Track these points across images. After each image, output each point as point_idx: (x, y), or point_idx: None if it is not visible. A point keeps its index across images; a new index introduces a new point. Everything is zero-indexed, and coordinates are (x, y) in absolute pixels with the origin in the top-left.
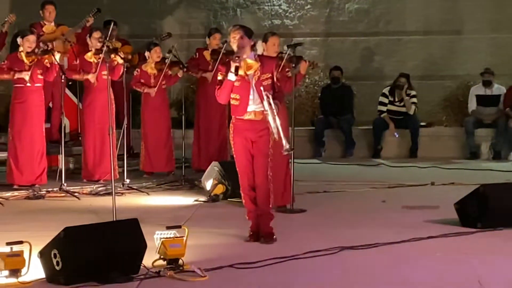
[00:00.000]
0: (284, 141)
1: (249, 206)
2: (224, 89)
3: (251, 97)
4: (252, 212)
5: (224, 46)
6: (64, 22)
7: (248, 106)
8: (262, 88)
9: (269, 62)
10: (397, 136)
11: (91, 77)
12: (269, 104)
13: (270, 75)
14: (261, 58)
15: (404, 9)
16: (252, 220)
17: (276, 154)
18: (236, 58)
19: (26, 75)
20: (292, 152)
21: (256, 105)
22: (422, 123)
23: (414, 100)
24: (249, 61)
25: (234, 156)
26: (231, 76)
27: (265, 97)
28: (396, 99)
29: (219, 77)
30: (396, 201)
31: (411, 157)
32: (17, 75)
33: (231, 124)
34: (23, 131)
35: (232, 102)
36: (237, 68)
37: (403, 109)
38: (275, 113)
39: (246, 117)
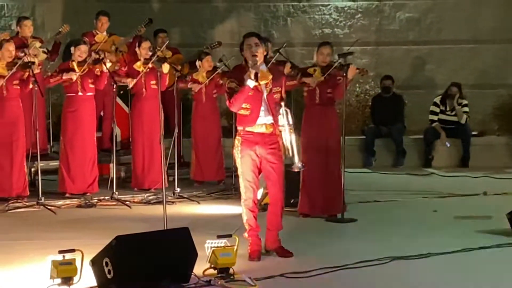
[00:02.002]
0: (296, 158)
1: (253, 223)
2: (242, 96)
3: (262, 108)
4: (254, 230)
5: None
6: (115, 31)
7: (259, 117)
8: (275, 102)
9: (279, 76)
10: (448, 145)
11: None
12: (287, 119)
13: (279, 89)
14: (271, 70)
15: (455, 17)
16: (253, 238)
17: (328, 164)
18: (254, 65)
19: (73, 75)
20: (342, 162)
21: (267, 118)
22: (474, 132)
23: (466, 109)
24: (264, 70)
25: (240, 169)
26: (251, 83)
27: (283, 112)
28: (448, 108)
29: (228, 84)
30: (447, 211)
31: (463, 167)
32: (65, 76)
33: (238, 136)
34: (74, 140)
35: (242, 112)
36: (256, 74)
37: (455, 118)
38: (292, 129)
39: (257, 129)
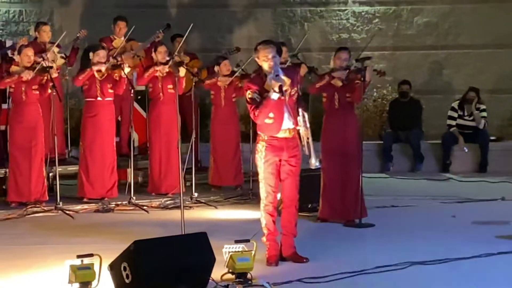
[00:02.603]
0: (313, 158)
1: (272, 228)
2: (266, 110)
3: (285, 115)
4: (273, 234)
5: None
6: (133, 36)
7: (283, 124)
8: (294, 104)
9: (294, 76)
10: (466, 150)
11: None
12: (304, 120)
13: (296, 89)
14: (285, 72)
15: (473, 22)
16: (271, 243)
17: (348, 168)
18: (276, 76)
19: (102, 67)
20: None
21: (289, 122)
22: (492, 137)
23: (484, 114)
24: (284, 78)
25: (262, 174)
26: (275, 96)
27: (301, 113)
28: (466, 113)
29: (249, 95)
30: (466, 216)
31: (481, 172)
32: (94, 67)
33: (262, 142)
34: (94, 144)
35: (266, 121)
36: (281, 87)
37: (473, 123)
38: (309, 129)
39: (281, 135)
